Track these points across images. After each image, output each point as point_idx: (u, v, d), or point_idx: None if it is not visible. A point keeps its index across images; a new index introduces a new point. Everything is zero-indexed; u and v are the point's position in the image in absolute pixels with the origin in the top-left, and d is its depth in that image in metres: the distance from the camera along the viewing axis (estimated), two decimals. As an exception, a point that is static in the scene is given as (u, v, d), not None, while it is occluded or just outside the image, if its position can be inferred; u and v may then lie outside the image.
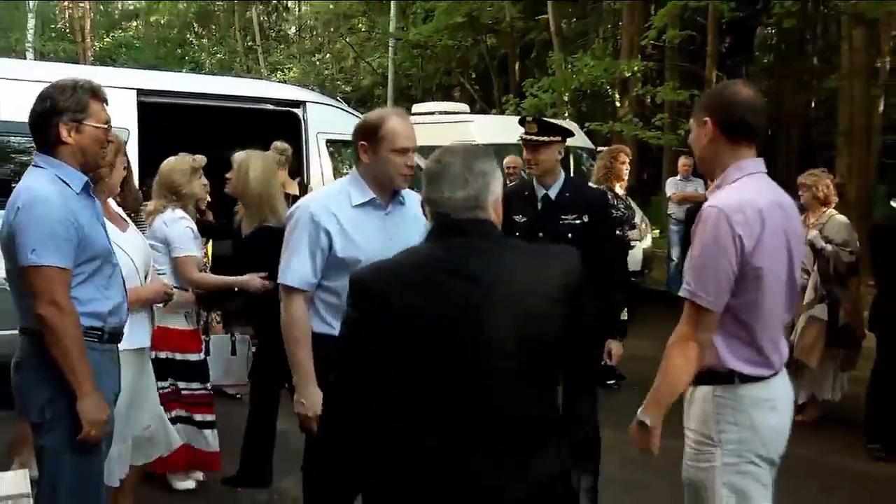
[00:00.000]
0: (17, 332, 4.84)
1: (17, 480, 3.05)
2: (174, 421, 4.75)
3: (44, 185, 2.99)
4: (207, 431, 4.93)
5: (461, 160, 2.25)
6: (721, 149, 2.87)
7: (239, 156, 5.03)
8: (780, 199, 2.89)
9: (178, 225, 4.76)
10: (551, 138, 4.44)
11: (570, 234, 4.33)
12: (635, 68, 16.98)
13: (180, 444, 4.43)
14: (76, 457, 3.04)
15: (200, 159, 4.98)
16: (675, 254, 11.77)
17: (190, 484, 5.01)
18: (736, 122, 2.83)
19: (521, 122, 4.64)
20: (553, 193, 4.47)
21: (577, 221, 4.40)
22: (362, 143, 3.36)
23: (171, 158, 4.95)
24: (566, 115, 17.31)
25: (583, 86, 16.99)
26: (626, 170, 7.40)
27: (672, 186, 12.14)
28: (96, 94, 3.12)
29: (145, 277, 4.08)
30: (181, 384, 4.84)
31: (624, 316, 4.50)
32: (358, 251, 3.27)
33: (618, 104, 18.40)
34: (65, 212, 2.97)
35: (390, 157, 3.30)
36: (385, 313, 2.13)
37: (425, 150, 9.14)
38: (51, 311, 2.92)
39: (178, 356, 4.80)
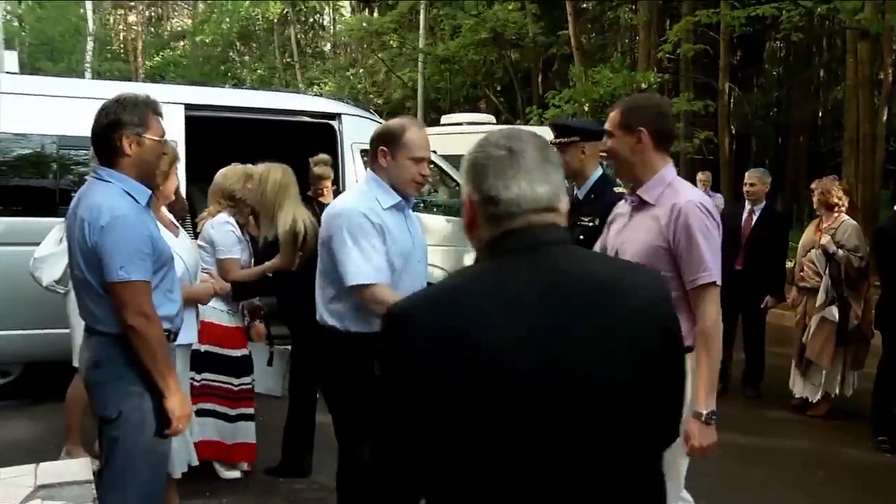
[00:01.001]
0: (66, 331, 4.97)
1: (82, 468, 3.10)
2: (203, 413, 4.81)
3: (119, 203, 3.00)
4: (242, 423, 4.97)
5: (534, 147, 1.61)
6: (650, 156, 3.04)
7: (260, 167, 5.05)
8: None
9: (222, 228, 4.82)
10: (570, 139, 4.27)
11: (581, 236, 4.14)
12: (652, 80, 16.90)
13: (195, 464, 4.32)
14: (146, 449, 3.08)
15: (247, 167, 5.01)
16: None
17: (235, 473, 5.05)
18: (666, 132, 3.07)
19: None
20: (581, 194, 4.32)
21: (591, 224, 4.23)
22: (382, 148, 3.36)
23: (225, 168, 4.99)
24: (586, 125, 17.23)
25: (602, 97, 16.91)
26: None
27: None
28: (154, 108, 3.15)
29: (194, 279, 4.13)
30: (219, 378, 4.87)
31: None
32: (397, 247, 3.30)
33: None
34: (142, 228, 3.02)
35: (408, 165, 3.32)
36: (455, 358, 1.44)
37: (453, 160, 9.15)
38: (140, 321, 2.96)
39: (219, 350, 4.84)
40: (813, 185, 6.68)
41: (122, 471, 3.07)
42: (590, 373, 1.48)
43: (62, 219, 4.88)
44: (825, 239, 6.35)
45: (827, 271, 6.37)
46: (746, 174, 7.45)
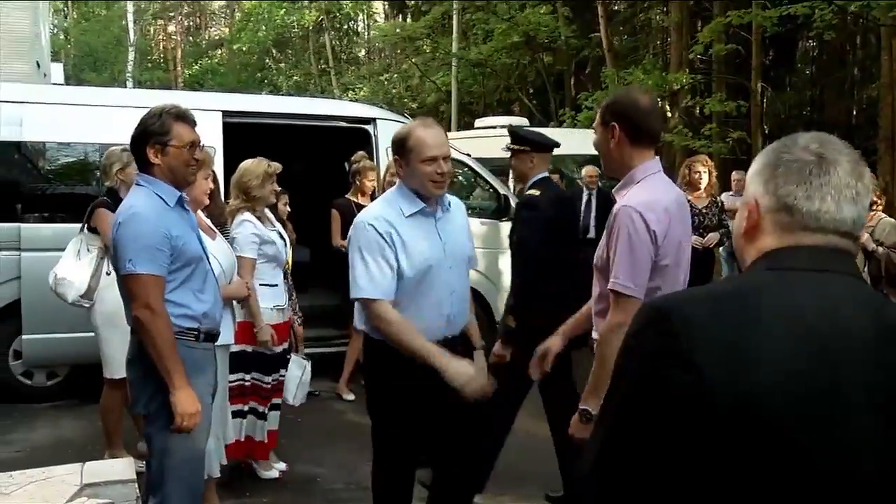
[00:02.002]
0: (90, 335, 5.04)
1: (125, 467, 3.15)
2: (244, 414, 4.86)
3: (141, 201, 3.12)
4: (273, 413, 5.01)
5: (849, 160, 1.39)
6: (626, 151, 2.96)
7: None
8: (678, 196, 3.07)
9: (241, 228, 4.82)
10: (522, 147, 4.62)
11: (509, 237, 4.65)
12: (684, 81, 16.75)
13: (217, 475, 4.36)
14: (179, 445, 3.13)
15: (276, 166, 5.01)
16: (724, 270, 10.98)
17: (274, 474, 5.08)
18: (640, 127, 2.94)
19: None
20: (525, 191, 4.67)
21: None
22: (396, 157, 3.37)
23: (248, 161, 4.98)
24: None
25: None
26: (700, 180, 7.10)
27: (726, 201, 11.80)
28: (181, 117, 3.21)
29: (229, 282, 4.18)
30: (260, 376, 4.90)
31: (511, 323, 4.44)
32: (419, 256, 3.22)
33: (668, 115, 18.16)
34: (157, 225, 3.08)
35: (420, 168, 3.24)
36: (733, 369, 1.20)
37: (487, 162, 9.14)
38: (145, 314, 3.03)
39: (261, 349, 4.84)
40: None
41: (160, 469, 3.13)
42: (871, 418, 1.23)
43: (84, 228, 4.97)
44: (864, 236, 6.27)
45: (866, 269, 6.30)
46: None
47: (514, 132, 4.73)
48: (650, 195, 2.87)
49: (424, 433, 3.36)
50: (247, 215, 4.84)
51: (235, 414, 4.80)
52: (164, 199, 3.17)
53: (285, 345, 5.04)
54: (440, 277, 3.28)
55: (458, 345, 3.36)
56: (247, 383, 4.83)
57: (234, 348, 4.70)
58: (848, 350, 1.24)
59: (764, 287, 1.32)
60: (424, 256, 3.23)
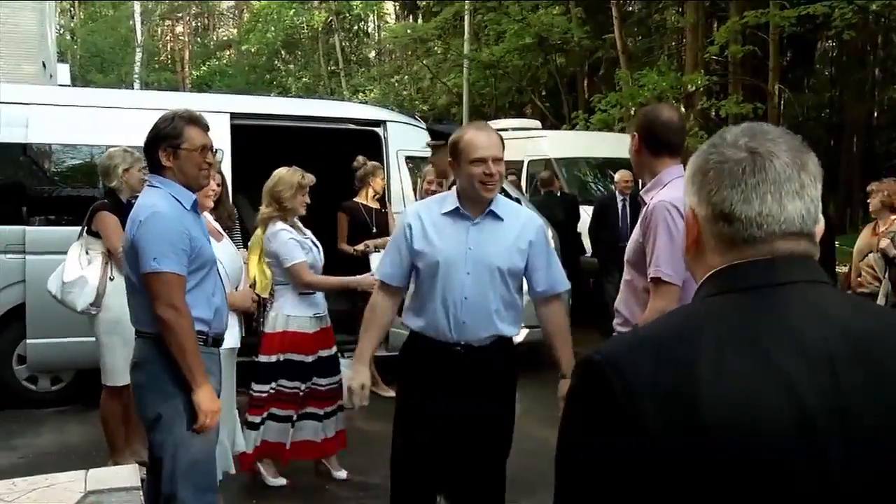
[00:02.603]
0: (91, 339, 5.05)
1: (130, 474, 3.15)
2: (304, 417, 4.93)
3: (160, 202, 3.16)
4: (307, 422, 4.99)
5: (787, 149, 1.25)
6: (646, 159, 3.26)
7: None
8: None
9: (278, 238, 4.84)
10: (439, 143, 4.69)
11: None
12: (699, 83, 16.72)
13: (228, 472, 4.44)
14: (190, 449, 3.14)
15: (310, 178, 5.01)
16: None
17: (281, 481, 5.06)
18: (657, 139, 3.22)
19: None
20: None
21: None
22: (450, 160, 3.43)
23: (283, 169, 5.00)
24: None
25: (649, 101, 16.78)
26: None
27: None
28: (194, 121, 3.26)
29: (236, 287, 4.18)
30: (291, 384, 4.88)
31: None
32: (432, 250, 3.34)
33: (683, 118, 18.12)
34: (179, 225, 3.13)
35: (468, 168, 3.30)
36: (682, 425, 1.09)
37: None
38: (170, 313, 3.05)
39: (294, 357, 4.85)
40: (871, 187, 6.55)
41: (171, 473, 3.13)
42: (879, 465, 1.11)
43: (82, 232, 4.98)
44: (885, 242, 6.24)
45: (887, 275, 6.27)
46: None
47: (431, 128, 4.95)
48: (680, 194, 2.99)
49: (446, 447, 3.42)
50: (280, 224, 4.87)
51: (280, 419, 4.87)
52: (180, 202, 3.20)
53: (325, 352, 5.03)
54: (453, 279, 3.32)
55: (486, 359, 3.38)
56: (272, 391, 4.85)
57: (262, 359, 4.84)
58: (810, 375, 1.12)
59: (707, 322, 1.18)
60: (438, 254, 3.33)
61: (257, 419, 4.84)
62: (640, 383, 1.12)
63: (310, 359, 4.91)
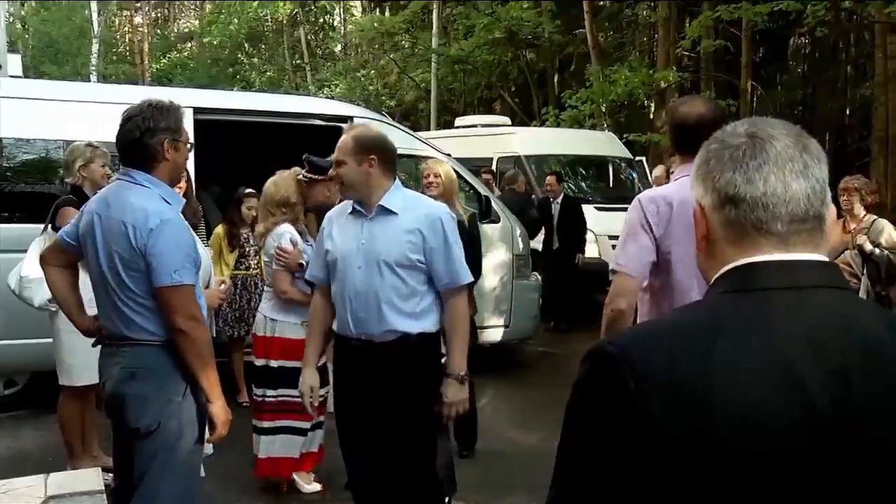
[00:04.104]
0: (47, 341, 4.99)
1: (92, 478, 3.13)
2: (279, 431, 4.87)
3: (163, 207, 3.08)
4: (318, 432, 4.99)
5: (786, 133, 1.27)
6: (677, 156, 3.28)
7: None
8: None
9: (283, 240, 4.83)
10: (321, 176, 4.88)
11: None
12: (671, 79, 16.87)
13: None
14: (183, 460, 3.13)
15: (297, 170, 5.08)
16: None
17: (316, 486, 5.08)
18: (675, 135, 3.21)
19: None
20: None
21: None
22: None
23: (273, 178, 5.05)
24: (605, 125, 17.26)
25: (620, 97, 16.91)
26: None
27: None
28: (182, 114, 3.25)
29: (206, 285, 4.18)
30: (293, 392, 4.81)
31: None
32: (333, 247, 3.54)
33: (652, 115, 18.30)
34: (188, 233, 3.14)
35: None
36: (692, 423, 1.11)
37: (467, 162, 9.14)
38: (192, 325, 3.02)
39: (291, 364, 4.72)
40: (843, 184, 6.65)
41: (158, 482, 3.09)
42: (861, 454, 1.12)
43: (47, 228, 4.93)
44: (861, 239, 6.38)
45: (864, 272, 6.40)
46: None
47: (308, 161, 5.04)
48: (664, 190, 3.14)
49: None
50: (285, 226, 4.88)
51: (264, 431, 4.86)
52: (170, 204, 3.14)
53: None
54: (348, 274, 3.50)
55: (386, 354, 3.47)
56: (271, 399, 4.83)
57: (255, 360, 4.89)
58: (824, 383, 1.13)
59: (722, 320, 1.19)
60: (337, 251, 3.54)
61: (265, 424, 4.85)
62: (653, 378, 1.13)
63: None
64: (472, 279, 3.71)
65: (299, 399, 4.78)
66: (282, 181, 4.99)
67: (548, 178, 11.01)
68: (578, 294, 10.65)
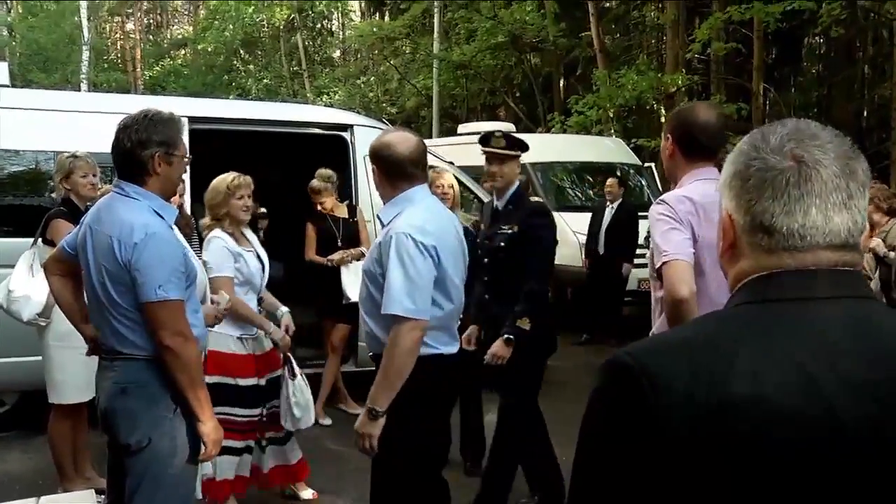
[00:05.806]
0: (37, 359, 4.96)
1: (85, 500, 3.11)
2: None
3: (151, 220, 3.05)
4: (246, 457, 4.88)
5: (836, 156, 1.23)
6: (679, 162, 3.25)
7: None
8: (710, 197, 3.19)
9: (210, 246, 4.78)
10: (516, 152, 4.81)
11: (502, 243, 4.75)
12: (680, 82, 16.85)
13: None
14: (175, 477, 3.11)
15: (244, 180, 4.90)
16: None
17: (308, 494, 5.15)
18: (692, 141, 3.19)
19: (486, 139, 4.89)
20: (501, 205, 4.88)
21: (510, 231, 4.74)
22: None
23: (218, 177, 4.96)
24: (612, 131, 17.25)
25: (628, 102, 16.90)
26: None
27: None
28: (181, 126, 3.23)
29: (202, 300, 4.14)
30: (229, 410, 4.68)
31: (526, 325, 4.60)
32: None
33: (664, 119, 18.28)
34: (177, 247, 3.11)
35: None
36: (712, 436, 1.10)
37: (471, 170, 9.11)
38: (178, 342, 3.00)
39: (229, 381, 4.72)
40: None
41: (149, 501, 3.08)
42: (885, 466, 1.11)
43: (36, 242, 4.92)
44: (875, 242, 6.45)
45: (877, 274, 6.46)
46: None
47: (509, 135, 4.91)
48: (679, 193, 3.13)
49: None
50: (217, 231, 4.81)
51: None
52: (163, 217, 3.11)
53: (254, 380, 4.85)
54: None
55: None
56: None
57: (209, 380, 4.65)
58: (843, 388, 1.12)
59: (743, 332, 1.18)
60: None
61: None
62: (672, 389, 1.13)
63: (245, 382, 4.78)
64: (405, 311, 3.18)
65: (236, 418, 4.74)
66: (214, 182, 4.90)
67: (609, 180, 10.82)
68: (620, 306, 10.54)
